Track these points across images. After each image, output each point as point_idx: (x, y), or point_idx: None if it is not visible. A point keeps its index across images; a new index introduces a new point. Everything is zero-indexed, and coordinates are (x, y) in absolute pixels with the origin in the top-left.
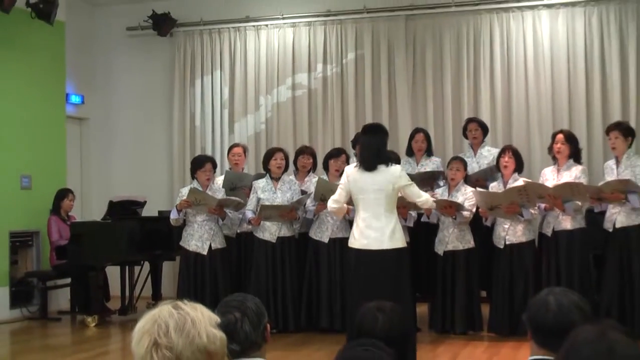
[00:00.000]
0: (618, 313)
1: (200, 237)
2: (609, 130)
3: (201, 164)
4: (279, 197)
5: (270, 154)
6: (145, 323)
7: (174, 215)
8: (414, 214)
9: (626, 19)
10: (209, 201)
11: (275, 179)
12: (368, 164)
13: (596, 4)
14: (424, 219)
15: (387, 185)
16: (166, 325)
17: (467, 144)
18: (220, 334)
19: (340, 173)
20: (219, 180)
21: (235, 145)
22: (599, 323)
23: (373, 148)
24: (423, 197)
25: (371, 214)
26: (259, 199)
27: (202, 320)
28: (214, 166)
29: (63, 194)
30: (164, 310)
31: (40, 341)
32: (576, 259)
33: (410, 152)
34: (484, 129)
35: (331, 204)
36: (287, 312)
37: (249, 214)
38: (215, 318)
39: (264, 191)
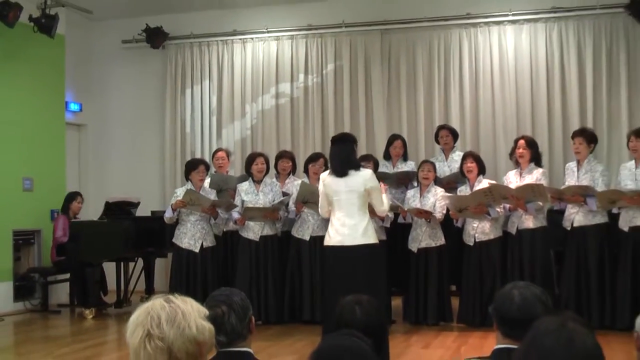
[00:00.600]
0: (575, 305)
1: (192, 236)
2: (574, 135)
3: (195, 166)
4: (261, 199)
5: (251, 159)
6: (139, 315)
7: (168, 214)
8: (390, 214)
9: (583, 33)
10: (203, 202)
11: (257, 182)
12: (339, 172)
13: (556, 20)
14: (400, 220)
15: (359, 187)
16: (158, 317)
17: (438, 149)
18: (208, 326)
19: (319, 175)
20: (205, 182)
21: (219, 149)
22: (559, 315)
23: (342, 156)
24: (384, 206)
25: (345, 213)
26: (243, 201)
27: (191, 312)
28: (207, 168)
29: (72, 196)
30: (157, 304)
31: (42, 332)
32: (538, 255)
33: (387, 157)
34: (454, 135)
35: (321, 211)
36: (270, 306)
37: (235, 215)
38: (204, 310)
39: (247, 193)
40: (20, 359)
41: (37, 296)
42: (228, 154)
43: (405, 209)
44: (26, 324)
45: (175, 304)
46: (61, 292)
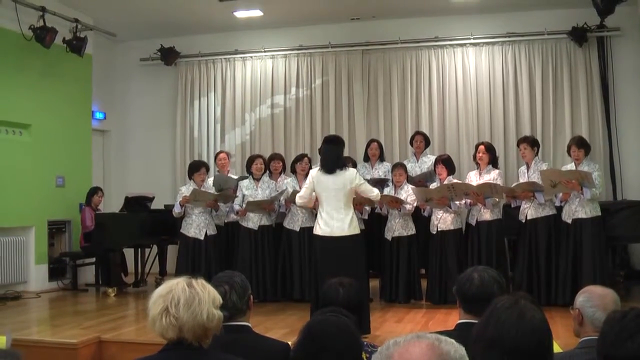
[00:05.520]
0: (527, 286)
1: (197, 226)
2: (519, 142)
3: (198, 168)
4: (260, 194)
5: (251, 160)
6: (163, 289)
7: (177, 209)
8: (368, 208)
9: (533, 55)
10: (208, 197)
11: (257, 179)
12: (328, 168)
13: (510, 44)
14: (376, 210)
15: (344, 185)
16: (178, 299)
17: (411, 152)
18: (218, 314)
19: (306, 173)
20: (209, 180)
21: (221, 151)
22: (513, 294)
23: (333, 156)
24: (374, 192)
25: (332, 207)
26: (244, 195)
27: (207, 300)
28: (207, 170)
29: (94, 191)
30: (180, 285)
31: (72, 307)
32: (494, 243)
33: (366, 158)
34: (427, 141)
35: (298, 200)
36: (266, 286)
37: (237, 207)
38: (219, 299)
39: (248, 189)
40: (54, 330)
41: (68, 276)
42: (229, 155)
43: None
44: (59, 300)
45: (195, 290)
46: (88, 273)
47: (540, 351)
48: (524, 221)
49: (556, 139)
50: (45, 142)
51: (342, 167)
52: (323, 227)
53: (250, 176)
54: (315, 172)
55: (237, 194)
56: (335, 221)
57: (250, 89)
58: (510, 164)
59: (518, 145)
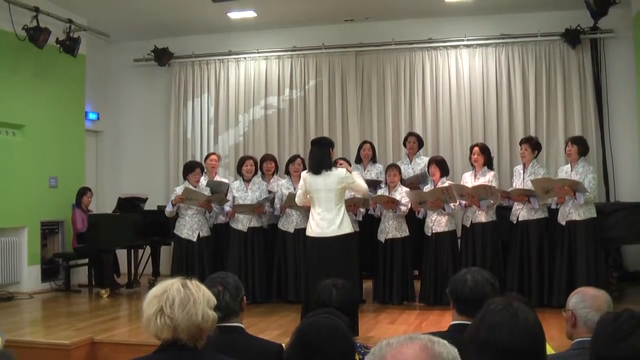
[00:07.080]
0: (518, 287)
1: (190, 227)
2: (521, 142)
3: (192, 168)
4: (250, 196)
5: (242, 161)
6: (158, 290)
7: (169, 209)
8: (362, 210)
9: (527, 56)
10: (200, 197)
11: (247, 181)
12: (314, 170)
13: (504, 45)
14: (370, 212)
15: (335, 185)
16: (173, 299)
17: (404, 153)
18: (213, 315)
19: (299, 173)
20: (201, 182)
21: (212, 153)
22: (506, 295)
23: (317, 157)
24: (363, 189)
25: (324, 208)
26: (234, 197)
27: (202, 301)
28: (202, 170)
29: (83, 191)
30: (175, 286)
31: (65, 308)
32: (488, 245)
33: (358, 160)
34: (420, 142)
35: (297, 201)
36: (257, 287)
37: (227, 208)
38: (213, 300)
39: (238, 190)
40: (47, 331)
41: (61, 277)
42: (219, 157)
43: (373, 197)
44: (52, 301)
45: (190, 290)
46: (81, 274)
47: (533, 353)
48: (515, 222)
49: (549, 142)
50: (39, 143)
51: (328, 167)
52: (314, 227)
53: (241, 177)
54: (305, 174)
55: (228, 195)
56: (326, 222)
57: (243, 90)
58: (503, 165)
59: (520, 145)
